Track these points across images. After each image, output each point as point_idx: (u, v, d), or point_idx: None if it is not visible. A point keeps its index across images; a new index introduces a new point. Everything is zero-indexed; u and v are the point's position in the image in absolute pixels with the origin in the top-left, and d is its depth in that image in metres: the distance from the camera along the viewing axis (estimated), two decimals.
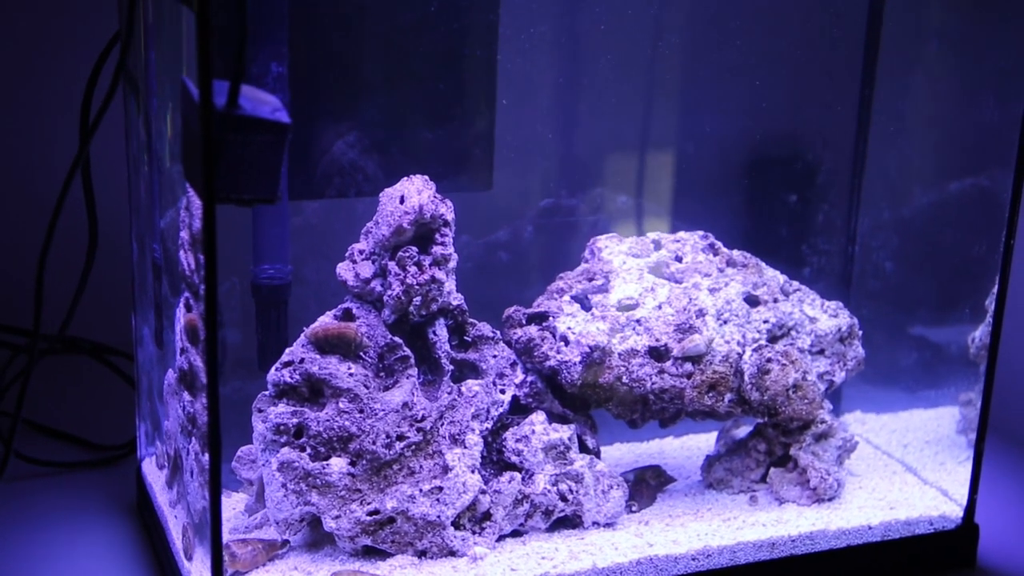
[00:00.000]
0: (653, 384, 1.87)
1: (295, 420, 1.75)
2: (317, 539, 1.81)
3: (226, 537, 1.72)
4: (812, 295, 2.05)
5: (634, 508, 1.95)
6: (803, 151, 2.21)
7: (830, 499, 1.98)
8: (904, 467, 2.14)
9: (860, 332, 2.05)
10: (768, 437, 2.01)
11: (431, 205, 1.79)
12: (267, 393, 1.78)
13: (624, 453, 2.19)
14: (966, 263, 2.15)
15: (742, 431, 2.08)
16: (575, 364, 1.85)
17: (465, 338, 1.91)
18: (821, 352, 2.01)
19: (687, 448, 2.20)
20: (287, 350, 1.78)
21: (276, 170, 1.46)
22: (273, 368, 1.77)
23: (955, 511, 1.99)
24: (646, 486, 2.00)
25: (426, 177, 1.81)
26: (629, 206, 2.21)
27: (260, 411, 1.77)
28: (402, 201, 1.79)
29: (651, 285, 1.94)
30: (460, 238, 2.13)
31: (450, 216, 1.82)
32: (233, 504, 1.92)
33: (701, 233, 2.04)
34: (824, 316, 2.02)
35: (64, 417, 2.35)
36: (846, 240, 2.24)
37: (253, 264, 1.89)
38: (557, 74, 2.11)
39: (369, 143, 1.96)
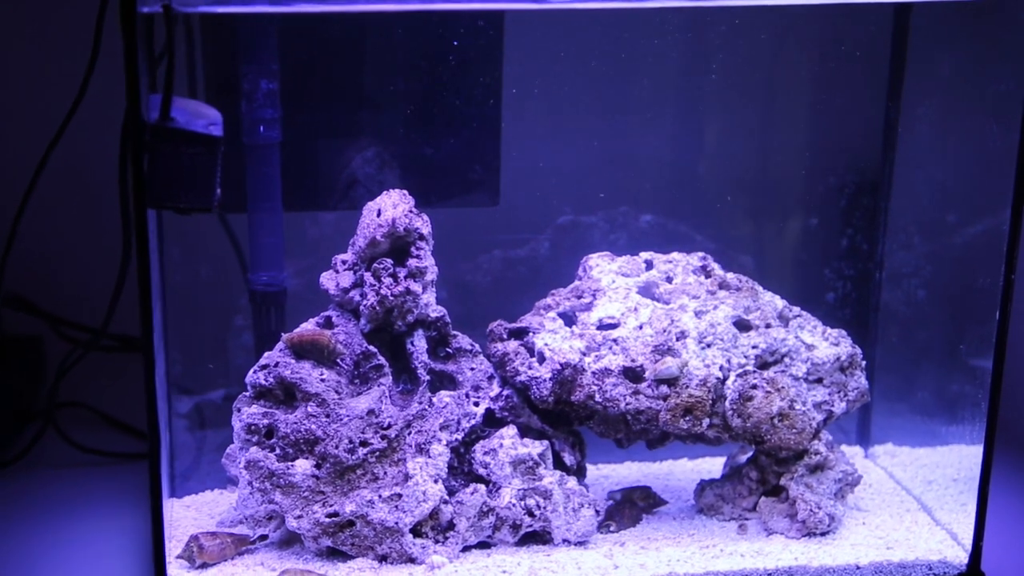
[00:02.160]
0: (628, 405, 1.86)
1: (266, 421, 1.83)
2: (290, 538, 1.87)
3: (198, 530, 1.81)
4: (814, 322, 1.98)
5: (612, 528, 1.93)
6: (828, 173, 2.15)
7: (822, 533, 1.91)
8: (920, 505, 2.04)
9: (864, 363, 1.97)
10: (761, 465, 1.96)
11: (404, 219, 1.83)
12: (247, 394, 1.86)
13: (632, 472, 2.18)
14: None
15: (746, 457, 2.03)
16: (545, 380, 1.86)
17: (447, 350, 1.94)
18: (819, 381, 1.94)
19: (698, 471, 2.16)
20: (266, 354, 1.86)
21: (210, 180, 1.55)
22: (251, 370, 1.85)
23: (961, 557, 1.88)
24: (631, 506, 1.98)
25: (404, 192, 1.86)
26: (649, 225, 2.19)
27: (238, 410, 1.85)
28: (378, 215, 1.84)
29: (634, 305, 1.93)
30: (477, 256, 2.19)
31: (426, 230, 1.86)
32: (231, 500, 2.01)
33: (701, 255, 2.01)
34: (824, 344, 1.95)
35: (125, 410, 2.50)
36: (873, 266, 2.16)
37: (250, 272, 1.98)
38: (574, 91, 2.11)
39: (378, 160, 2.02)
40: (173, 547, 1.85)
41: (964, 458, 2.19)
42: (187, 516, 1.99)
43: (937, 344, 2.16)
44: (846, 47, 2.09)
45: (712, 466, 2.17)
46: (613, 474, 2.17)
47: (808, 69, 2.12)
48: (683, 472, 2.17)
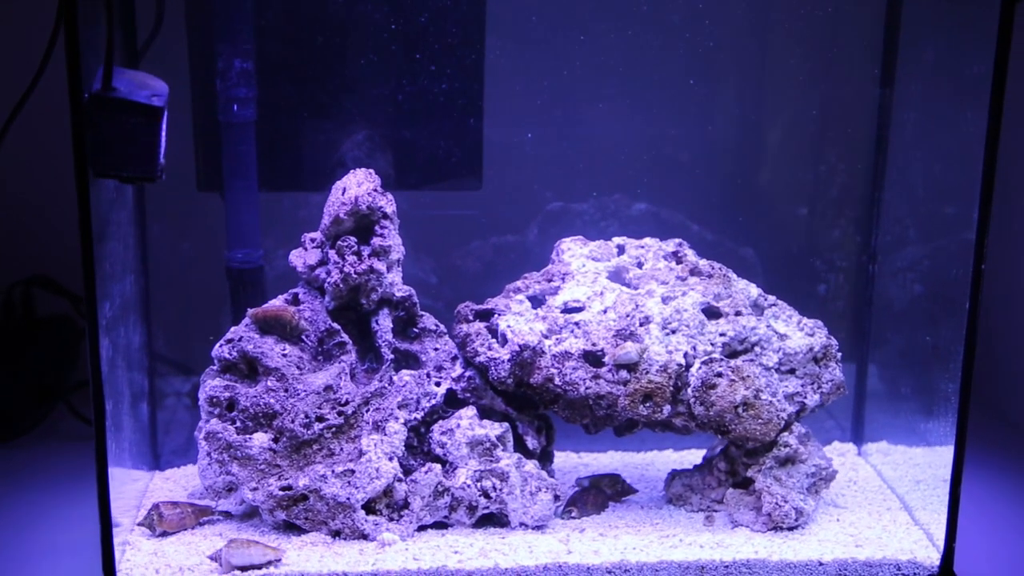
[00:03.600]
0: (588, 389, 1.83)
1: (227, 394, 1.85)
2: (252, 511, 1.89)
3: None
4: (789, 311, 1.93)
5: (573, 514, 1.91)
6: (820, 163, 2.09)
7: (790, 528, 1.86)
8: (902, 505, 1.97)
9: (839, 354, 1.91)
10: (731, 456, 1.91)
11: (367, 197, 1.84)
12: (214, 368, 1.89)
13: (613, 461, 2.15)
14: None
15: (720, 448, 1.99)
16: (503, 362, 1.84)
17: (414, 330, 1.94)
18: (792, 372, 1.89)
19: (681, 463, 2.11)
20: (232, 328, 1.88)
21: (153, 150, 1.58)
22: (217, 344, 1.88)
23: (933, 558, 1.81)
24: (597, 494, 1.95)
25: (370, 171, 1.87)
26: (639, 212, 2.16)
27: (204, 384, 1.88)
28: (343, 193, 1.86)
29: (601, 289, 1.90)
30: (471, 242, 2.19)
31: (390, 209, 1.86)
32: None
33: (677, 241, 1.98)
34: (799, 334, 1.90)
35: None
36: (867, 258, 2.09)
37: (227, 250, 2.01)
38: (566, 79, 2.10)
39: (360, 142, 2.04)
40: (140, 516, 1.89)
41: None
42: (163, 488, 2.03)
43: (932, 340, 2.09)
44: (840, 34, 2.04)
45: (696, 458, 2.11)
46: (594, 463, 2.15)
47: (801, 56, 2.08)
48: (665, 463, 2.13)
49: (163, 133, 1.59)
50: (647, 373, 1.82)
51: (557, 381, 1.84)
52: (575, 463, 2.15)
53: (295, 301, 1.91)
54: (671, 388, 1.82)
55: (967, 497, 2.12)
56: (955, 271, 2.03)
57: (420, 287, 2.17)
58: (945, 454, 2.07)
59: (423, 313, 1.94)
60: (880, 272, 2.10)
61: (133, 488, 1.98)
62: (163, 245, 2.02)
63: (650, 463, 2.14)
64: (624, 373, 1.83)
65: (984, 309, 2.27)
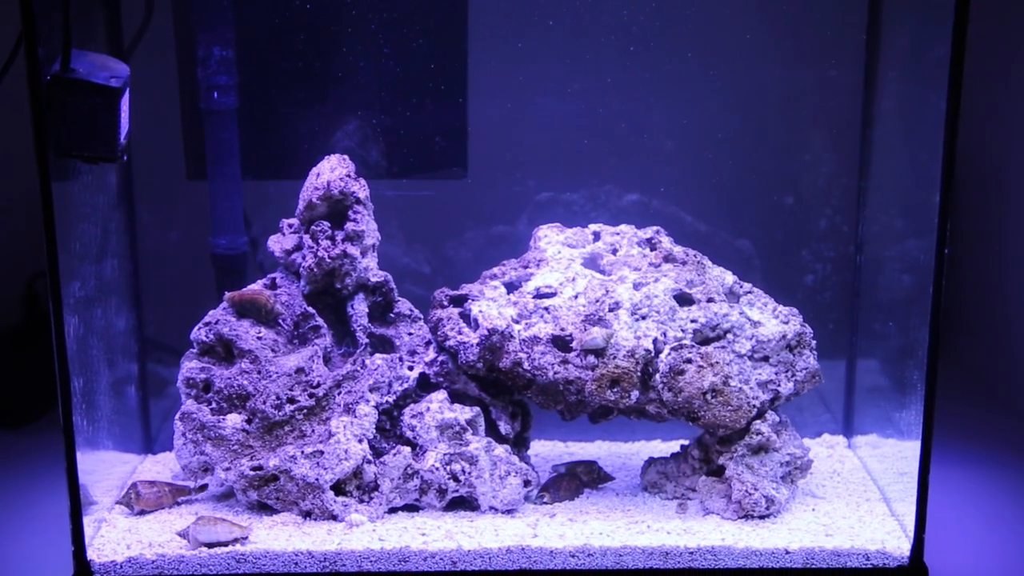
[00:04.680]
0: (556, 374, 1.84)
1: (203, 376, 1.89)
2: (229, 492, 1.93)
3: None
4: (764, 299, 1.91)
5: (545, 499, 1.91)
6: (807, 153, 2.08)
7: (760, 516, 1.84)
8: (881, 496, 1.94)
9: (814, 342, 1.89)
10: (705, 444, 1.90)
11: (340, 182, 1.87)
12: (193, 350, 1.92)
13: (600, 450, 2.15)
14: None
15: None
16: (472, 346, 1.85)
17: (390, 315, 1.96)
18: (765, 359, 1.87)
19: (668, 452, 2.09)
20: (210, 312, 1.92)
21: (113, 130, 1.62)
22: (195, 327, 1.91)
23: (903, 548, 1.78)
24: (572, 480, 1.95)
25: (344, 157, 1.90)
26: (628, 203, 2.16)
27: (181, 366, 1.92)
28: (317, 178, 1.88)
29: (572, 275, 1.90)
30: (465, 232, 2.20)
31: (363, 194, 1.89)
32: None
33: (655, 228, 1.98)
34: (773, 321, 1.88)
35: None
36: (854, 248, 2.07)
37: (211, 236, 2.05)
38: (553, 69, 2.10)
39: (344, 130, 2.07)
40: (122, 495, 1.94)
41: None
42: (152, 470, 2.08)
43: (922, 334, 2.06)
44: (826, 25, 2.02)
45: None
46: (581, 451, 2.15)
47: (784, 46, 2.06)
48: (651, 452, 2.11)
49: (123, 114, 1.62)
50: (614, 358, 1.82)
51: (526, 365, 1.85)
52: (561, 451, 2.15)
53: (273, 286, 1.94)
54: (638, 373, 1.82)
55: (966, 493, 2.10)
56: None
57: (412, 276, 2.20)
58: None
59: (400, 299, 1.96)
60: (866, 263, 2.07)
61: (121, 470, 2.03)
62: (152, 231, 2.07)
63: (636, 453, 2.14)
64: (592, 358, 1.83)
65: (995, 304, 2.24)
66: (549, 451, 2.14)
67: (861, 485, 2.00)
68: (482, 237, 2.21)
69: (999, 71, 2.51)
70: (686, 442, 2.07)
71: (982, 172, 2.61)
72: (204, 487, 1.92)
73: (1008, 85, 2.50)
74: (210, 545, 1.76)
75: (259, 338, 1.89)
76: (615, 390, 1.82)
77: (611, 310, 1.85)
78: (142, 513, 1.89)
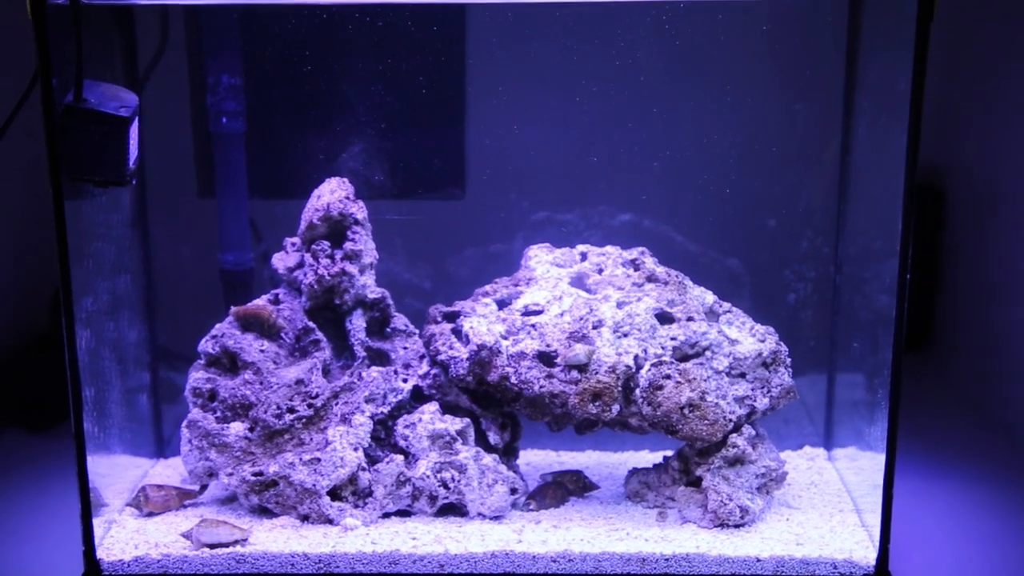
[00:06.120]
0: (542, 387, 1.93)
1: (209, 386, 2.00)
2: (233, 496, 2.04)
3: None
4: (743, 318, 2.01)
5: (532, 507, 2.01)
6: (790, 178, 2.17)
7: (736, 525, 1.93)
8: (854, 507, 2.03)
9: (788, 360, 1.98)
10: (685, 456, 1.99)
11: (339, 204, 1.98)
12: (200, 361, 2.04)
13: (590, 460, 2.25)
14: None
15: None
16: (462, 360, 1.95)
17: (386, 330, 2.06)
18: (742, 376, 1.96)
19: (655, 462, 2.19)
20: (216, 325, 2.03)
21: (122, 156, 1.73)
22: (203, 339, 2.02)
23: (870, 558, 1.87)
24: (558, 488, 2.05)
25: (343, 180, 2.01)
26: (620, 223, 2.25)
27: (189, 376, 2.03)
28: (318, 200, 1.99)
29: (559, 294, 2.00)
30: (463, 250, 2.30)
31: (361, 215, 1.99)
32: None
33: (640, 249, 2.07)
34: (750, 340, 1.97)
35: None
36: (834, 269, 2.15)
37: (219, 252, 2.16)
38: (546, 99, 2.20)
39: (348, 153, 2.17)
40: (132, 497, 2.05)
41: None
42: (163, 474, 2.19)
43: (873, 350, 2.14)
44: (808, 58, 2.12)
45: None
46: (572, 461, 2.24)
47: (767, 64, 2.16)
48: (638, 463, 2.20)
49: (132, 141, 1.74)
50: (596, 374, 1.92)
51: (513, 379, 1.95)
52: (552, 460, 2.25)
53: (276, 301, 2.05)
54: (619, 388, 1.91)
55: (938, 505, 2.17)
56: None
57: (413, 291, 2.30)
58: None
59: (397, 314, 2.07)
60: (844, 283, 2.16)
61: (133, 474, 2.15)
62: (165, 248, 2.18)
63: (623, 462, 2.23)
64: (575, 373, 1.93)
65: (977, 320, 2.30)
66: (541, 460, 2.24)
67: (836, 496, 2.08)
68: (480, 254, 2.31)
69: (986, 95, 2.59)
70: (671, 453, 2.17)
71: (969, 190, 2.69)
72: (205, 487, 2.03)
73: (993, 108, 2.58)
74: (212, 546, 1.87)
75: (262, 351, 2.00)
76: (597, 404, 1.92)
77: (595, 327, 1.95)
78: (150, 515, 2.00)
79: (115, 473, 2.06)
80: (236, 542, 1.88)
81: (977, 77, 2.62)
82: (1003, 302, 2.55)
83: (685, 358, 1.96)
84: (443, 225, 2.29)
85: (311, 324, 2.01)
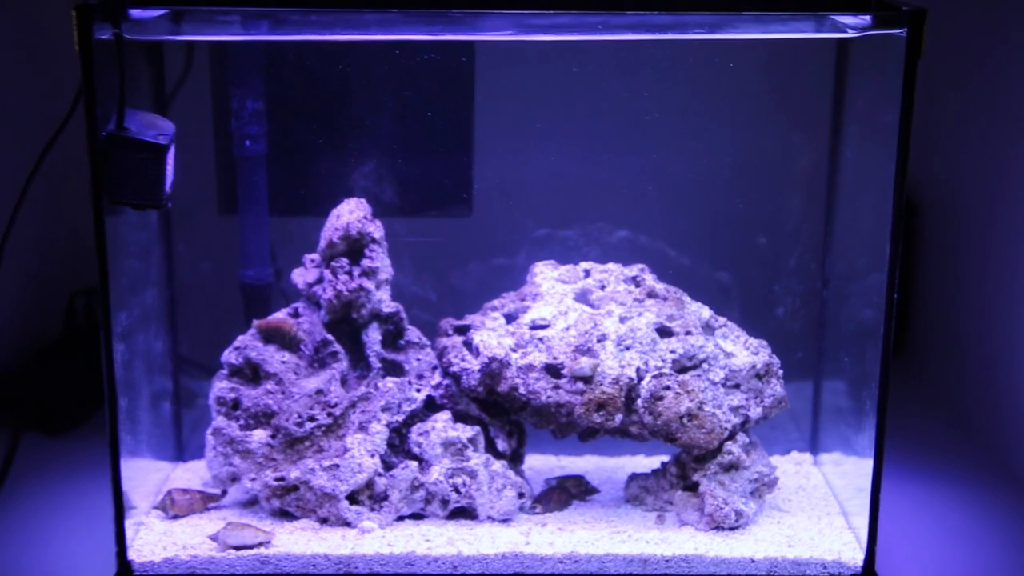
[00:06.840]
0: (548, 397, 2.05)
1: (232, 395, 2.11)
2: (254, 499, 2.14)
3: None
4: (737, 332, 2.13)
5: (537, 510, 2.13)
6: (780, 197, 2.30)
7: (731, 528, 2.05)
8: (841, 510, 2.16)
9: (780, 372, 2.11)
10: (682, 462, 2.11)
11: (357, 224, 2.09)
12: (223, 372, 2.14)
13: (590, 465, 2.36)
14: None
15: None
16: (474, 372, 2.07)
17: (400, 342, 2.18)
18: (737, 387, 2.09)
19: (650, 467, 2.30)
20: (239, 337, 2.14)
21: (159, 181, 1.84)
22: (226, 351, 2.13)
23: (858, 559, 2.00)
24: (562, 492, 2.17)
25: (361, 200, 2.12)
26: (617, 239, 2.37)
27: (213, 386, 2.14)
28: (337, 219, 2.10)
29: (565, 309, 2.12)
30: (469, 264, 2.42)
31: (378, 234, 2.11)
32: None
33: (640, 266, 2.19)
34: (744, 353, 2.10)
35: None
36: (821, 284, 2.29)
37: (240, 268, 2.27)
38: (549, 125, 2.32)
39: (361, 173, 2.28)
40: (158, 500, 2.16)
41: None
42: (183, 477, 2.30)
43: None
44: (798, 85, 2.25)
45: None
46: (571, 465, 2.36)
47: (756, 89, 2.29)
48: (635, 467, 2.33)
49: (168, 167, 1.84)
50: (600, 385, 2.04)
51: (521, 390, 2.06)
52: (553, 465, 2.36)
53: (296, 314, 2.16)
54: (622, 399, 2.03)
55: (923, 507, 2.30)
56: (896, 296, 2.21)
57: (421, 303, 2.41)
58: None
59: (410, 327, 2.18)
60: (831, 297, 2.29)
61: (156, 477, 2.25)
62: (188, 263, 2.29)
63: (621, 467, 2.34)
64: (580, 384, 2.05)
65: (954, 327, 2.42)
66: (543, 465, 2.35)
67: (823, 500, 2.21)
68: (485, 269, 2.43)
69: (958, 108, 2.72)
70: (666, 459, 2.28)
71: (941, 201, 2.83)
72: (226, 491, 2.14)
73: (965, 120, 2.71)
74: (237, 548, 1.98)
75: (283, 362, 2.10)
76: (601, 413, 2.04)
77: (599, 341, 2.06)
78: (175, 517, 2.10)
79: (139, 477, 2.15)
80: (260, 544, 1.99)
81: (949, 90, 2.74)
82: (973, 310, 2.69)
83: (684, 370, 2.08)
84: (451, 241, 2.40)
85: (330, 337, 2.12)
